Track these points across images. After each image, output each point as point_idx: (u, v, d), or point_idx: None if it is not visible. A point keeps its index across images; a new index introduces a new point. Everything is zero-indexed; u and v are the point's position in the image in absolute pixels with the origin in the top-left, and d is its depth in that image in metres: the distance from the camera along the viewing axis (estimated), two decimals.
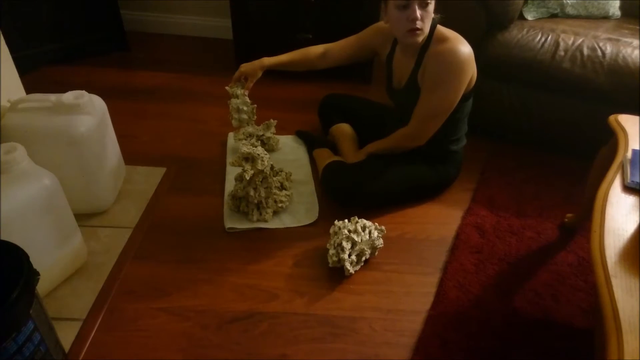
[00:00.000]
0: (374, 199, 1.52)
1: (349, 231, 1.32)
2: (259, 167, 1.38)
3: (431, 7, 1.30)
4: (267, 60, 1.65)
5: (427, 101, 1.41)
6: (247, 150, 1.37)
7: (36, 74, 2.21)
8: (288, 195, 1.54)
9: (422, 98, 1.42)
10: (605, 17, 1.99)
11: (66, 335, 1.09)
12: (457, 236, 1.48)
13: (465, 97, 1.44)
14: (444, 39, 1.35)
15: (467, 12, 1.77)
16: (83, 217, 1.39)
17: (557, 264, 1.40)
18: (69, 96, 1.30)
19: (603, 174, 1.07)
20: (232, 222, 1.46)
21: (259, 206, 1.47)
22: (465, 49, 1.34)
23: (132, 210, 1.48)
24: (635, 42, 1.69)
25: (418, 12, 1.27)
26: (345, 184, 1.51)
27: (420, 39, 1.34)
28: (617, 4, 1.99)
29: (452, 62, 1.33)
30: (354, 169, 1.54)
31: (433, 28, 1.37)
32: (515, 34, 1.76)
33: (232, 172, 1.63)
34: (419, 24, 1.29)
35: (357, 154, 1.62)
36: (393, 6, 1.31)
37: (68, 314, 1.15)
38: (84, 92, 1.33)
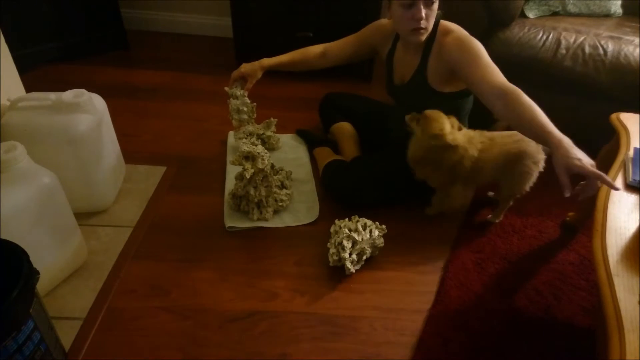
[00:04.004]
0: (374, 197, 1.51)
1: (350, 230, 1.31)
2: (260, 165, 1.37)
3: (435, 5, 1.29)
4: (267, 61, 1.64)
5: (485, 66, 1.26)
6: (248, 149, 1.37)
7: (36, 73, 2.20)
8: (288, 194, 1.53)
9: (480, 71, 1.26)
10: (607, 15, 1.98)
11: (66, 335, 1.09)
12: (458, 235, 1.48)
13: (465, 93, 1.44)
14: (449, 31, 1.34)
15: (468, 10, 1.76)
16: (83, 216, 1.39)
17: (558, 263, 1.40)
18: (69, 95, 1.30)
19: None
20: (233, 221, 1.45)
21: (259, 205, 1.46)
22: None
23: (132, 209, 1.48)
24: (637, 40, 1.68)
25: (423, 12, 1.27)
26: (345, 182, 1.50)
27: (424, 37, 1.34)
28: (619, 2, 1.98)
29: (471, 39, 1.31)
30: (355, 167, 1.53)
31: (437, 22, 1.37)
32: (517, 32, 1.76)
33: (232, 171, 1.63)
34: (423, 24, 1.29)
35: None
36: (397, 5, 1.29)
37: (68, 313, 1.15)
38: (83, 90, 1.32)
